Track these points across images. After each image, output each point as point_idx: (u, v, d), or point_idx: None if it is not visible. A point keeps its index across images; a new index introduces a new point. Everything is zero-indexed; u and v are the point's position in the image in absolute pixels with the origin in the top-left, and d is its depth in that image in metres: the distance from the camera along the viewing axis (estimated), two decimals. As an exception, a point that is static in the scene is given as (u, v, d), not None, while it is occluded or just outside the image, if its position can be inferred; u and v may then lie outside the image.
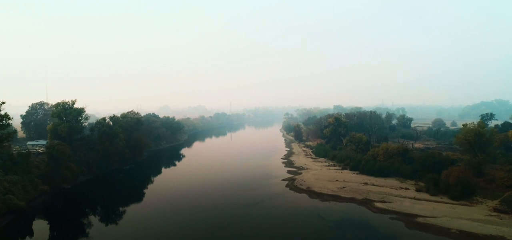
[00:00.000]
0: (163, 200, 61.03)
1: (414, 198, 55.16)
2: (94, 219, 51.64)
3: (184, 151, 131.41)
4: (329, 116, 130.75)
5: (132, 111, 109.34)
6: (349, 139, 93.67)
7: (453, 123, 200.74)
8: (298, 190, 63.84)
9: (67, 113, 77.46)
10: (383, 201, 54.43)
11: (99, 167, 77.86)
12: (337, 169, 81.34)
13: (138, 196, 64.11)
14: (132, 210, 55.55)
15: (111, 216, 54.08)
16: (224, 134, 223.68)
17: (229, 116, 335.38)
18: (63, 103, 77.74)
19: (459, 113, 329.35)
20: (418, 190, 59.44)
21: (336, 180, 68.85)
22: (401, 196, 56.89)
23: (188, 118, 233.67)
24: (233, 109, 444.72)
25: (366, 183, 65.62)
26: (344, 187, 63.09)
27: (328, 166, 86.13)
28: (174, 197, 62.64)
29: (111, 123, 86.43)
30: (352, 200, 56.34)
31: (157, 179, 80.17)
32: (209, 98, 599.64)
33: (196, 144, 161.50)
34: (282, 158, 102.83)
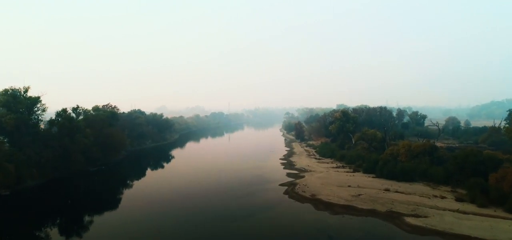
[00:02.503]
0: (124, 211, 46.84)
1: (458, 211, 40.63)
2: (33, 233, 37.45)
3: (171, 151, 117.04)
4: (334, 112, 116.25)
5: (108, 104, 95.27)
6: (361, 136, 79.21)
7: (467, 122, 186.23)
8: (300, 198, 49.43)
9: (18, 102, 63.24)
10: (416, 215, 39.93)
11: (56, 169, 63.53)
12: (347, 172, 66.91)
13: (97, 205, 49.90)
14: (85, 224, 41.27)
15: (52, 228, 39.81)
16: (221, 134, 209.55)
17: (226, 116, 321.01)
18: (12, 90, 63.49)
19: (468, 113, 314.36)
20: (458, 200, 44.95)
21: (348, 186, 54.41)
22: (438, 207, 42.39)
23: (182, 117, 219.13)
24: (232, 110, 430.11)
25: (387, 190, 51.13)
26: (359, 195, 48.61)
27: (336, 168, 71.65)
28: (139, 208, 48.32)
29: (73, 115, 72.08)
30: (372, 212, 41.87)
31: (128, 184, 65.82)
32: (208, 99, 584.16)
33: (188, 144, 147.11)
34: (280, 159, 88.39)
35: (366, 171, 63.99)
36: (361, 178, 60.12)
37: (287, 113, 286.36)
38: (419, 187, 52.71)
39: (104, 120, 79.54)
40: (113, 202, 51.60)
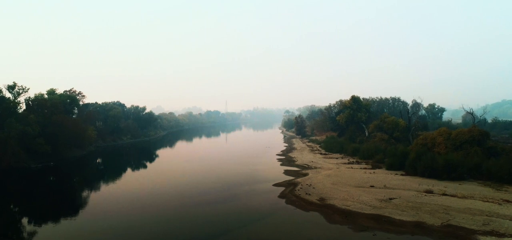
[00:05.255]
0: (59, 225, 31.16)
1: None
2: None
3: (150, 148, 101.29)
4: (342, 102, 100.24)
5: (72, 89, 79.30)
6: (378, 124, 63.32)
7: (483, 119, 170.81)
8: (303, 203, 33.52)
9: None
10: (496, 233, 23.94)
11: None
12: (364, 168, 51.01)
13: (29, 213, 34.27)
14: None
15: None
16: (216, 134, 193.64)
17: (223, 115, 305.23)
18: None
19: (480, 112, 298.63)
20: (548, 206, 29.11)
21: (371, 186, 38.50)
22: (522, 219, 26.44)
23: (171, 113, 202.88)
24: (230, 110, 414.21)
25: (429, 191, 35.14)
26: (391, 199, 32.66)
27: (349, 163, 55.82)
28: (72, 221, 32.64)
29: (10, 95, 56.26)
30: (421, 227, 25.90)
31: (75, 187, 50.16)
32: (206, 100, 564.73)
33: (173, 142, 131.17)
34: (278, 154, 72.59)
35: (391, 167, 48.20)
36: (386, 176, 44.17)
37: (287, 112, 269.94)
38: (474, 187, 36.78)
39: (56, 106, 63.56)
40: (47, 210, 36.02)
